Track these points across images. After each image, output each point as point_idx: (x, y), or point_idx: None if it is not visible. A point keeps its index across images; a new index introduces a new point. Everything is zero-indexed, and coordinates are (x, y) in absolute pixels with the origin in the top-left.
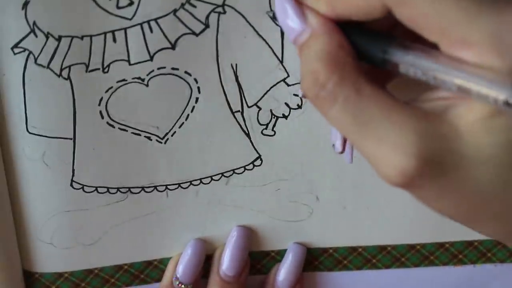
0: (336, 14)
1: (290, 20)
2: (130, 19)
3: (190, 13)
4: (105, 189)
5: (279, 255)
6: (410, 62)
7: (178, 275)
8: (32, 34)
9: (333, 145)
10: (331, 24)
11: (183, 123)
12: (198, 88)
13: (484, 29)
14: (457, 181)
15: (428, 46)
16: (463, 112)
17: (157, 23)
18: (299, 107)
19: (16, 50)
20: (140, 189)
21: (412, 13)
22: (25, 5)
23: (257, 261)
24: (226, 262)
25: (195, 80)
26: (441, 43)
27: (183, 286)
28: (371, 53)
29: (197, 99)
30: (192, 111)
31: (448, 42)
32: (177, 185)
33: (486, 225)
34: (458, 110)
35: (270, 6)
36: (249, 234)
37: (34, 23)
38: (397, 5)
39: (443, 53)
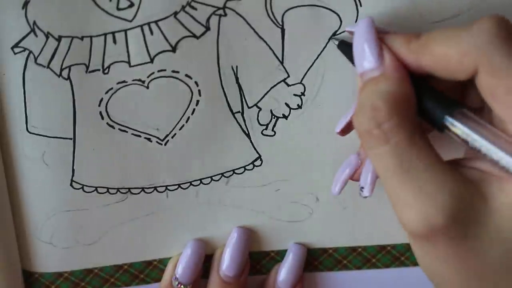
0: (418, 65)
1: (366, 58)
2: (131, 21)
3: (191, 16)
4: (105, 190)
5: (279, 255)
6: (466, 133)
7: (177, 275)
8: (32, 34)
9: (362, 188)
10: (404, 71)
11: (183, 125)
12: (199, 91)
13: None
14: (472, 249)
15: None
16: (496, 191)
17: (157, 25)
18: (299, 107)
19: (16, 50)
20: (140, 189)
21: (498, 84)
22: (25, 5)
23: (257, 261)
24: (226, 262)
25: (196, 83)
26: (510, 124)
27: (182, 286)
28: (431, 112)
29: (197, 101)
30: (192, 113)
31: None
32: (177, 186)
33: None
34: (493, 187)
35: (268, 8)
36: (249, 235)
37: (34, 22)
38: (488, 72)
39: (506, 138)
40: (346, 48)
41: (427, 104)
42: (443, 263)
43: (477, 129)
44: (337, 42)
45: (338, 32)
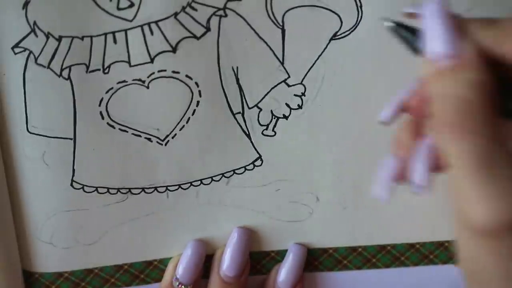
0: (500, 51)
1: (442, 40)
2: (131, 21)
3: (191, 17)
4: (105, 190)
5: (279, 255)
6: None
7: (178, 276)
8: (32, 34)
9: (417, 185)
10: (485, 59)
11: (184, 125)
12: (199, 91)
13: None
14: None
15: None
16: None
17: (157, 25)
18: (300, 107)
19: (16, 50)
20: (141, 189)
21: None
22: (25, 5)
23: (257, 261)
24: (227, 263)
25: (196, 83)
26: None
27: (183, 286)
28: None
29: (198, 102)
30: (193, 114)
31: None
32: (177, 186)
33: None
34: None
35: (269, 8)
36: (250, 235)
37: (35, 23)
38: None
39: None
40: (404, 32)
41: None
42: (506, 259)
43: None
44: (391, 24)
45: (338, 33)
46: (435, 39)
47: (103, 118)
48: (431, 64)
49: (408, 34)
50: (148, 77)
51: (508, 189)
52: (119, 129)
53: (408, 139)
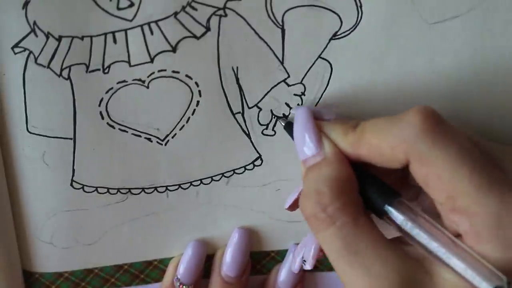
0: (357, 154)
1: (306, 145)
2: (131, 21)
3: (191, 16)
4: (105, 190)
5: (279, 255)
6: (403, 223)
7: (179, 276)
8: (32, 34)
9: (304, 261)
10: (343, 156)
11: (184, 125)
12: (199, 91)
13: (489, 210)
14: None
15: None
16: (439, 267)
17: (157, 25)
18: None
19: (16, 50)
20: (141, 190)
21: (428, 172)
22: (25, 5)
23: (257, 261)
24: (228, 263)
25: (196, 83)
26: (442, 205)
27: (184, 286)
28: (372, 199)
29: (198, 102)
30: (193, 114)
31: (450, 207)
32: (177, 186)
33: None
34: (435, 264)
35: (269, 8)
36: (250, 236)
37: (35, 22)
38: (418, 161)
39: (439, 228)
40: (290, 131)
41: (368, 191)
42: None
43: (413, 219)
44: (283, 123)
45: (338, 33)
46: (300, 143)
47: (103, 118)
48: (303, 165)
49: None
50: (148, 77)
51: (377, 271)
52: (119, 129)
53: None
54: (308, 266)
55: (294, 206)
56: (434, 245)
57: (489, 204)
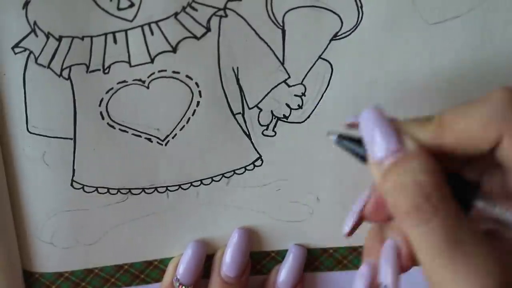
0: (438, 145)
1: (385, 143)
2: (131, 21)
3: (192, 17)
4: (106, 190)
5: (279, 255)
6: (501, 213)
7: (178, 276)
8: (32, 34)
9: (385, 286)
10: (426, 148)
11: (184, 125)
12: (200, 92)
13: None
14: None
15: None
16: None
17: (158, 25)
18: (300, 107)
19: (16, 50)
20: (141, 190)
21: None
22: (25, 5)
23: (257, 261)
24: (227, 263)
25: (197, 84)
26: None
27: (183, 287)
28: (459, 194)
29: (198, 102)
30: (193, 114)
31: None
32: (177, 186)
33: None
34: None
35: (269, 9)
36: (250, 236)
37: (35, 23)
38: None
39: None
40: (348, 142)
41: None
42: None
43: (502, 207)
44: (335, 138)
45: (339, 33)
46: (375, 142)
47: (103, 118)
48: (377, 167)
49: (352, 144)
50: (148, 77)
51: (480, 266)
52: (119, 129)
53: (375, 245)
54: (392, 284)
55: (356, 227)
56: None
57: None
